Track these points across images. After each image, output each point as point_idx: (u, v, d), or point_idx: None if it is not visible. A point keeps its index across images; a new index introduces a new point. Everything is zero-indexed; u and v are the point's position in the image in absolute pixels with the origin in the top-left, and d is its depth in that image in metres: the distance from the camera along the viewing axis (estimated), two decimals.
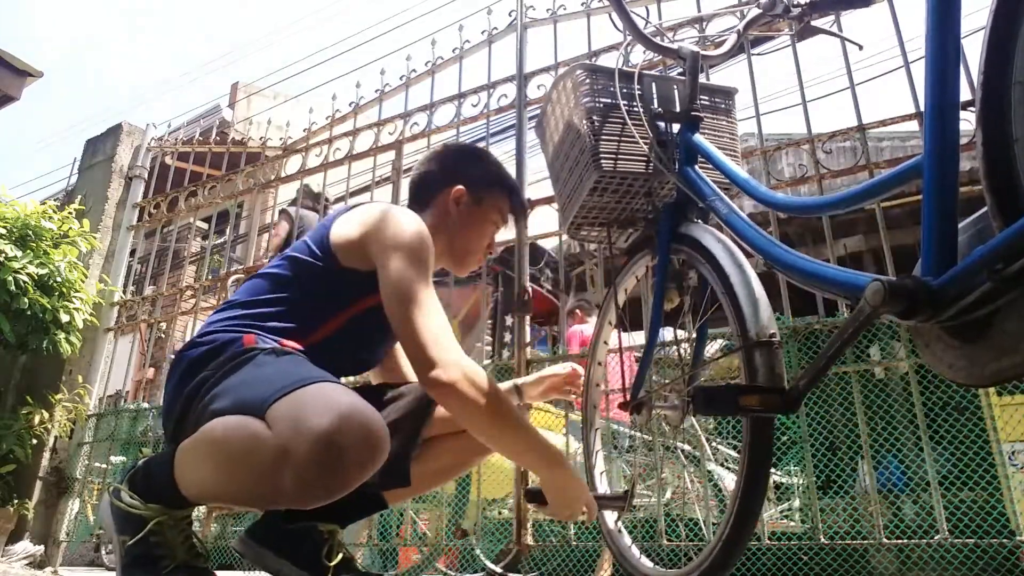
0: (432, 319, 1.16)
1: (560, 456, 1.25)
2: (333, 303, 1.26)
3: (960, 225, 0.80)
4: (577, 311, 4.32)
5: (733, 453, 3.42)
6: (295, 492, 0.91)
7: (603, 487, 1.53)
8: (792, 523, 3.27)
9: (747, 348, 1.05)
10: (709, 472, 3.01)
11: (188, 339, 1.23)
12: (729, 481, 3.01)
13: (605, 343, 1.62)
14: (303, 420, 0.90)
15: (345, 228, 1.26)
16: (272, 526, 1.31)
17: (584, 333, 3.77)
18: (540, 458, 1.23)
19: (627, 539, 1.43)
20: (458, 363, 1.12)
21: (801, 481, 3.30)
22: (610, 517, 1.48)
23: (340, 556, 1.31)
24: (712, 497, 2.99)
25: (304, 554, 1.29)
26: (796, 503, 3.32)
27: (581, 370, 1.62)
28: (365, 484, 1.29)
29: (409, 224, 1.24)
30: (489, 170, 1.50)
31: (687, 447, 2.94)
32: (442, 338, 1.14)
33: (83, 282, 3.35)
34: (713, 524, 2.87)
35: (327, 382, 1.00)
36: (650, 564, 1.36)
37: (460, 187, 1.44)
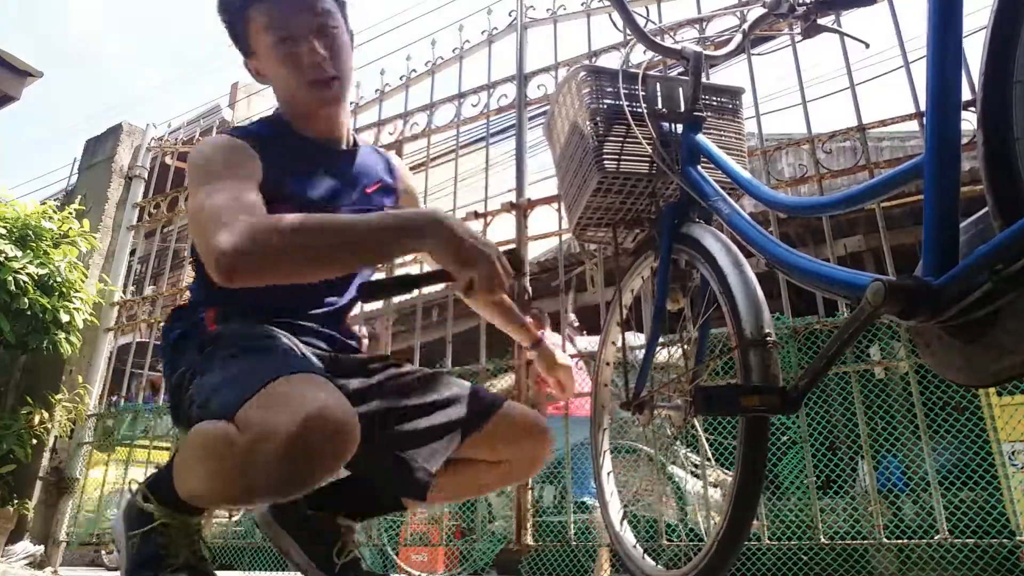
0: (205, 215, 1.02)
1: (427, 212, 1.03)
2: None
3: (961, 225, 0.80)
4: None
5: (695, 457, 3.39)
6: (267, 490, 0.92)
7: (610, 487, 1.54)
8: (756, 522, 3.25)
9: (742, 348, 1.05)
10: (671, 475, 3.01)
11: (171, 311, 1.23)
12: (690, 484, 3.00)
13: (613, 344, 1.62)
14: (267, 422, 0.90)
15: None
16: (294, 507, 1.31)
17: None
18: (402, 230, 1.01)
19: (631, 538, 1.44)
20: (229, 235, 0.96)
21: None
22: (615, 518, 1.48)
23: (351, 555, 1.30)
24: (671, 497, 3.00)
25: (317, 544, 1.29)
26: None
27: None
28: (384, 490, 1.29)
29: (192, 154, 1.17)
30: (237, 23, 1.26)
31: (649, 450, 2.95)
32: (212, 225, 0.99)
33: (83, 282, 3.34)
34: (673, 526, 2.89)
35: (295, 373, 0.97)
36: (652, 563, 1.36)
37: (245, 61, 1.29)
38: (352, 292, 1.37)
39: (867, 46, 1.48)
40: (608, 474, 1.56)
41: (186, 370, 1.13)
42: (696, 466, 3.12)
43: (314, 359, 1.18)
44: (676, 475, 3.01)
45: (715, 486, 2.78)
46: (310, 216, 1.01)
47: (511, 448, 1.33)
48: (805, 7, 1.31)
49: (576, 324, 3.35)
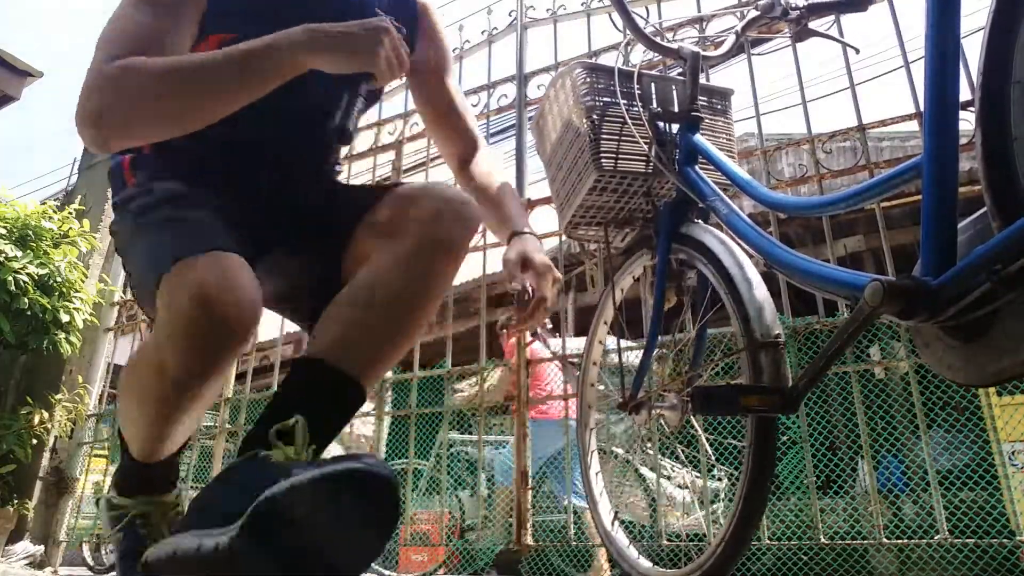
0: (94, 58, 0.93)
1: (293, 29, 0.93)
2: None
3: (960, 225, 0.80)
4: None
5: (665, 460, 3.36)
6: (184, 364, 0.88)
7: (599, 487, 1.53)
8: (718, 527, 3.19)
9: (752, 349, 1.05)
10: (642, 477, 3.00)
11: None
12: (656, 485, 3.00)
13: (600, 343, 1.62)
14: (168, 314, 0.88)
15: None
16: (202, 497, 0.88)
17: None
18: (278, 48, 0.92)
19: (624, 538, 1.43)
20: (95, 98, 0.90)
21: (723, 485, 3.21)
22: (606, 518, 1.48)
23: (298, 444, 0.85)
24: (644, 499, 2.99)
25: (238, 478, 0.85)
26: (720, 507, 3.23)
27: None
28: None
29: None
30: None
31: (620, 451, 2.95)
32: (88, 77, 0.91)
33: (83, 282, 3.34)
34: (643, 527, 2.88)
35: (196, 256, 0.89)
36: (648, 564, 1.36)
37: None
38: (306, 124, 1.17)
39: (857, 51, 1.47)
40: (596, 474, 1.55)
41: (120, 247, 1.11)
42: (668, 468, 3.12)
43: (221, 225, 1.00)
44: (647, 477, 3.01)
45: (683, 487, 2.77)
46: (180, 58, 0.94)
47: (404, 224, 1.03)
48: (797, 11, 1.31)
49: (549, 327, 3.38)
